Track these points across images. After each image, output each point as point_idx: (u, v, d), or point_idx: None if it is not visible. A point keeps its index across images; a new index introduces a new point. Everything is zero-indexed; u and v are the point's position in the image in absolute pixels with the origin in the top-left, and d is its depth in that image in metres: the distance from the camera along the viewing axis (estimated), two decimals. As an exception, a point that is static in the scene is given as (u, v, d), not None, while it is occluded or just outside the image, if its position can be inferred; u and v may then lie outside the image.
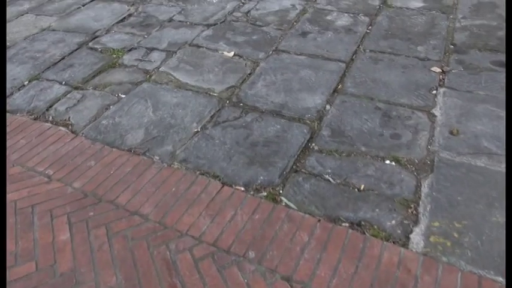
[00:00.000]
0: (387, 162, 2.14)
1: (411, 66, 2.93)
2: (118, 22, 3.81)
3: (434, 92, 2.65)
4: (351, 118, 2.44)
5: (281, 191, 1.98)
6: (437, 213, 1.83)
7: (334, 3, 3.94)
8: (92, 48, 3.38)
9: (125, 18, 3.89)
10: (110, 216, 1.84)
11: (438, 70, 2.86)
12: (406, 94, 2.63)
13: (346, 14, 3.71)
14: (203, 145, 2.29)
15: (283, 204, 1.91)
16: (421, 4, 3.84)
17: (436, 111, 2.47)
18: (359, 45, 3.23)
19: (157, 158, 2.22)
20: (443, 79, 2.77)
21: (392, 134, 2.32)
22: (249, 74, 2.93)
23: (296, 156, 2.19)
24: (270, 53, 3.18)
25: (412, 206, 1.88)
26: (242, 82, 2.84)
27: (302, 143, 2.27)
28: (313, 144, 2.28)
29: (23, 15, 4.08)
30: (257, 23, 3.65)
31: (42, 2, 4.33)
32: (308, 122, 2.44)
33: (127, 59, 3.21)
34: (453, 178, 2.01)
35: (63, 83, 2.94)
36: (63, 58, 3.26)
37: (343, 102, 2.58)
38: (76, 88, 2.88)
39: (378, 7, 3.83)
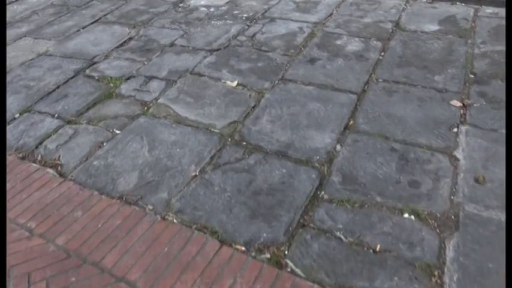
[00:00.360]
0: (406, 216, 1.91)
1: (428, 99, 2.71)
2: (118, 47, 3.65)
3: (455, 130, 2.42)
4: (364, 161, 2.22)
5: (286, 252, 1.76)
6: (466, 284, 1.60)
7: (343, 26, 3.74)
8: (88, 76, 3.21)
9: (125, 42, 3.73)
10: (94, 283, 1.64)
11: (458, 104, 2.63)
12: (424, 132, 2.41)
13: (357, 39, 3.51)
14: (201, 193, 2.08)
15: (289, 269, 1.69)
16: (436, 27, 3.63)
17: (459, 154, 2.24)
18: (371, 74, 3.01)
19: (151, 207, 2.02)
20: (465, 114, 2.55)
21: (410, 181, 2.09)
22: (253, 106, 2.73)
23: (303, 208, 1.97)
24: (276, 82, 2.98)
25: (436, 273, 1.65)
26: (246, 116, 2.64)
27: (310, 191, 2.06)
28: (323, 193, 2.06)
29: (21, 38, 3.95)
30: (262, 48, 3.46)
31: (41, 24, 4.20)
32: (317, 165, 2.22)
33: (124, 88, 3.03)
34: (482, 238, 1.77)
35: (56, 116, 2.77)
36: (58, 87, 3.09)
37: (355, 142, 2.36)
38: (69, 122, 2.70)
39: (391, 30, 3.62)
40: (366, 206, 1.97)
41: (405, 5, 4.09)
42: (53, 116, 2.77)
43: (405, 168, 2.17)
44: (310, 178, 2.13)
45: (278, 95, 2.83)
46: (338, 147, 2.34)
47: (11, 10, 4.62)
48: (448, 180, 2.08)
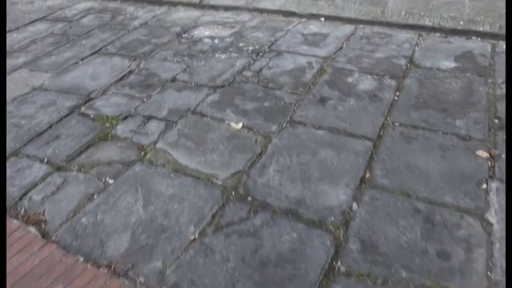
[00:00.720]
0: (436, 296, 1.65)
1: (451, 147, 2.47)
2: (117, 81, 3.46)
3: (484, 186, 2.18)
4: (385, 224, 1.98)
5: None
6: None
7: (354, 61, 3.55)
8: (83, 115, 3.01)
9: (124, 76, 3.55)
10: None
11: (485, 155, 2.39)
12: (449, 189, 2.16)
13: (369, 76, 3.31)
14: (200, 262, 1.83)
15: None
16: (453, 64, 3.43)
17: (491, 217, 1.99)
18: (387, 117, 2.79)
19: (142, 280, 1.77)
20: (493, 167, 2.31)
21: (439, 251, 1.83)
22: (260, 154, 2.51)
23: (318, 285, 1.71)
24: (284, 125, 2.76)
25: None
26: (251, 165, 2.41)
27: (325, 262, 1.80)
28: (339, 264, 1.80)
29: (16, 70, 3.78)
30: (269, 85, 3.26)
31: (39, 54, 4.03)
32: (331, 228, 1.97)
33: (121, 129, 2.82)
34: (530, 331, 1.50)
35: (45, 161, 2.55)
36: (50, 127, 2.89)
37: (374, 200, 2.12)
38: (58, 169, 2.48)
39: (405, 67, 3.42)
40: (390, 282, 1.72)
41: (418, 39, 3.91)
42: (42, 161, 2.55)
43: (432, 234, 1.92)
44: (325, 245, 1.88)
45: (286, 140, 2.61)
46: (354, 205, 2.09)
47: (10, 39, 4.48)
48: (483, 250, 1.82)
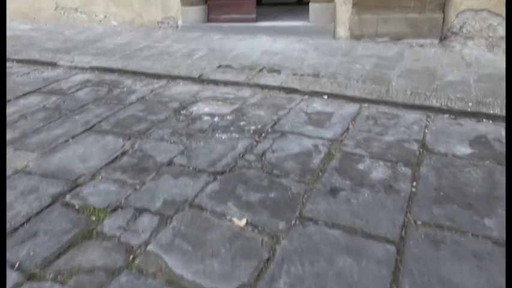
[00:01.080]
0: None
1: (486, 255, 2.17)
2: (108, 163, 3.19)
3: (535, 310, 1.83)
4: None
5: None
6: None
7: (364, 145, 3.34)
8: (67, 205, 2.69)
9: (117, 157, 3.28)
10: None
11: (527, 266, 2.08)
12: (496, 314, 1.82)
13: (381, 163, 3.07)
14: None
15: None
16: (468, 150, 3.23)
17: None
18: (407, 213, 2.51)
19: None
20: (540, 283, 1.97)
21: None
22: (267, 260, 2.17)
23: None
24: (293, 222, 2.46)
25: None
26: (258, 276, 2.06)
27: None
28: None
29: (0, 148, 3.49)
30: (274, 171, 3.00)
31: (27, 131, 3.80)
32: None
33: (108, 225, 2.49)
34: None
35: (16, 266, 2.19)
36: (28, 220, 2.55)
37: (408, 330, 1.76)
38: (30, 278, 2.11)
39: (418, 152, 3.21)
40: None
41: (427, 120, 3.76)
42: (13, 266, 2.19)
43: None
44: None
45: (297, 243, 2.29)
46: (385, 338, 1.73)
47: (-1, 112, 4.26)
48: None
